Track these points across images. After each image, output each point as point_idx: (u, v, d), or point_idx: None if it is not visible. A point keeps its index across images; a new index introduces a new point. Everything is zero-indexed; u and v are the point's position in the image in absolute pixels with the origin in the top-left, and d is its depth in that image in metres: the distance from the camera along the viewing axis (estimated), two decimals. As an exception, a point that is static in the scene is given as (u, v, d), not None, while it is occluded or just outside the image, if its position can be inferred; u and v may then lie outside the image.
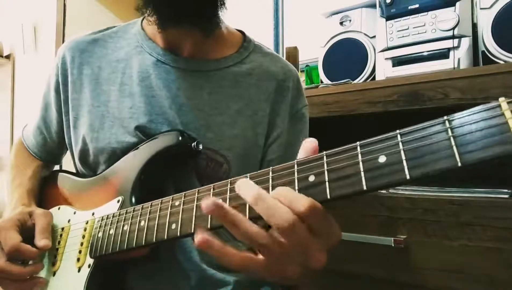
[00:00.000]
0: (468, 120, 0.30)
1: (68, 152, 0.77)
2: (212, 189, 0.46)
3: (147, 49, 0.69)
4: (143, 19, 0.74)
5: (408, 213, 0.79)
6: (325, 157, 0.38)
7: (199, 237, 0.38)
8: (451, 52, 0.93)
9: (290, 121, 0.71)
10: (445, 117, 0.32)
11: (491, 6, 0.90)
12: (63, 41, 1.88)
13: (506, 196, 0.72)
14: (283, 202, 0.37)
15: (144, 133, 0.64)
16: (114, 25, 0.77)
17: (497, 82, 0.74)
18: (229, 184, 0.44)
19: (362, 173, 0.35)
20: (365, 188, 0.34)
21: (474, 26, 0.94)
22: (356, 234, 0.83)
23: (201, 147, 0.61)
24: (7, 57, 2.16)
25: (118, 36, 0.74)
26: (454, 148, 0.30)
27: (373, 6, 1.12)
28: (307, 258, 0.38)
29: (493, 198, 0.72)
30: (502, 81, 0.73)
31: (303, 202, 0.36)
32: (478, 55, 0.93)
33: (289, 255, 0.38)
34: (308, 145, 0.41)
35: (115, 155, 0.65)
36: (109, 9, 2.02)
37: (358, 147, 0.36)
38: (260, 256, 0.39)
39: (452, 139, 0.31)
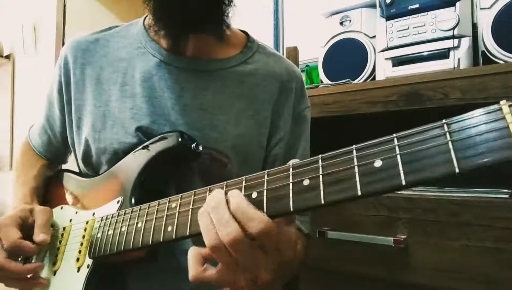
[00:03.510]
0: (468, 124, 0.29)
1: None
2: (208, 191, 0.46)
3: (150, 50, 0.69)
4: (145, 19, 0.74)
5: (407, 213, 0.79)
6: (320, 160, 0.37)
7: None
8: (451, 52, 0.93)
9: (292, 122, 0.71)
10: (444, 121, 0.31)
11: (491, 6, 0.90)
12: (63, 41, 1.88)
13: (506, 196, 0.72)
14: (239, 218, 0.38)
15: (146, 134, 0.64)
16: (117, 25, 0.77)
17: (497, 82, 0.74)
18: (225, 187, 0.44)
19: (357, 178, 0.34)
20: (359, 193, 0.33)
21: (474, 26, 0.94)
22: (356, 234, 0.83)
23: (200, 148, 0.61)
24: (7, 57, 2.16)
25: (120, 35, 0.73)
26: (452, 153, 0.29)
27: (373, 6, 1.12)
28: (253, 273, 0.40)
29: (493, 198, 0.72)
30: (502, 81, 0.73)
31: (256, 223, 0.37)
32: (478, 55, 0.93)
33: (237, 267, 0.40)
34: None
35: (117, 155, 0.65)
36: (109, 9, 2.02)
37: (354, 151, 0.35)
38: (213, 269, 0.42)
39: (450, 143, 0.30)
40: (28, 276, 0.62)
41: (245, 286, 0.41)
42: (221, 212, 0.39)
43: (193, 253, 0.43)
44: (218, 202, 0.39)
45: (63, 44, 1.86)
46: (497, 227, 0.70)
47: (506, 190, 0.73)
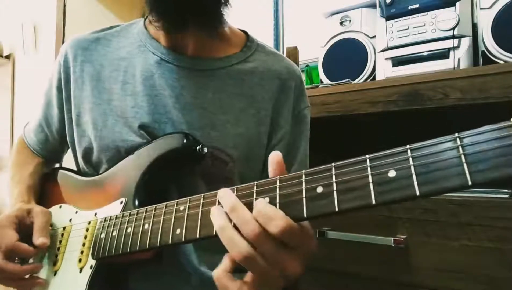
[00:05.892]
0: (480, 139, 0.30)
1: (69, 150, 0.76)
2: (217, 195, 0.46)
3: (151, 48, 0.69)
4: (145, 19, 0.74)
5: (408, 213, 0.79)
6: (333, 168, 0.37)
7: None
8: (451, 52, 0.93)
9: (291, 121, 0.71)
10: (456, 134, 0.31)
11: (491, 6, 0.90)
12: (63, 41, 1.88)
13: (506, 196, 0.72)
14: (259, 220, 0.38)
15: (148, 133, 0.64)
16: (117, 24, 0.77)
17: (497, 82, 0.74)
18: (235, 191, 0.44)
19: (371, 187, 0.34)
20: (373, 202, 0.34)
21: (474, 26, 0.94)
22: (356, 234, 0.83)
23: (205, 150, 0.60)
24: (7, 57, 2.15)
25: (121, 35, 0.74)
26: (465, 166, 0.30)
27: (373, 6, 1.12)
28: (282, 269, 0.39)
29: (493, 198, 0.72)
30: (502, 81, 0.73)
31: (277, 223, 0.37)
32: (478, 55, 0.93)
33: (267, 267, 0.39)
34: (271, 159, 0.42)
35: (119, 153, 0.64)
36: (109, 9, 2.01)
37: (368, 160, 0.35)
38: (246, 278, 0.41)
39: (463, 157, 0.30)
40: (26, 276, 0.63)
41: (280, 283, 0.40)
42: (240, 213, 0.39)
43: (219, 276, 0.42)
44: (234, 204, 0.40)
45: (63, 44, 1.86)
46: (497, 227, 0.70)
47: (506, 190, 0.73)
